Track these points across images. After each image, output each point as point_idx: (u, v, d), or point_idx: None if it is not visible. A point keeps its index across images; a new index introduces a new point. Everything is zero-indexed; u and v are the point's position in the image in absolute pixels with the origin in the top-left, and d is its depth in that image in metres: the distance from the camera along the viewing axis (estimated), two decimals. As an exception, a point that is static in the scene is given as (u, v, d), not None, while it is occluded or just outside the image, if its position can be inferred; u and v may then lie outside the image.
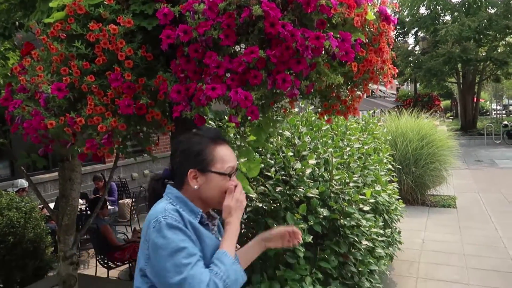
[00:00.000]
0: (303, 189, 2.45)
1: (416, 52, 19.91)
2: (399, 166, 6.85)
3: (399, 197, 4.38)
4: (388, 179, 4.19)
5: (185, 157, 1.28)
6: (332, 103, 1.97)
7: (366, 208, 2.86)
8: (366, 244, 2.78)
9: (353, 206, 2.68)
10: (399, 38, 22.54)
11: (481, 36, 18.65)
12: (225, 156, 1.28)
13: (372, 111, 5.35)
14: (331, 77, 1.42)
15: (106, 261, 4.56)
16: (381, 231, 3.19)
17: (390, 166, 4.51)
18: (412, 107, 10.69)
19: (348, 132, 3.74)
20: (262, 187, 2.50)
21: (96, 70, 1.68)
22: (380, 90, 36.40)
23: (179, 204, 1.24)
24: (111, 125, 1.66)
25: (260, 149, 2.73)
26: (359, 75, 1.66)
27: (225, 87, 1.31)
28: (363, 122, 4.71)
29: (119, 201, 6.87)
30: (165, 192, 1.29)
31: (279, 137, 2.80)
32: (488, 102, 41.23)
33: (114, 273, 4.83)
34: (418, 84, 25.09)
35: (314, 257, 2.47)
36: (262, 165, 2.57)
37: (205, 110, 2.92)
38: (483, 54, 18.85)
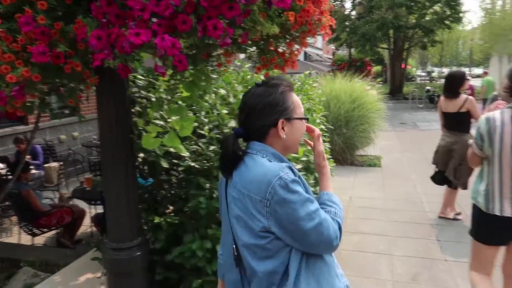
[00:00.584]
0: (237, 147, 2.43)
1: (352, 17, 20.39)
2: (331, 127, 7.11)
3: (330, 157, 4.55)
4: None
5: (271, 109, 1.29)
6: (270, 56, 1.93)
7: (299, 166, 2.92)
8: (298, 201, 2.86)
9: (287, 164, 2.73)
10: (337, 2, 22.82)
11: (412, 4, 19.49)
12: (299, 100, 1.36)
13: (308, 72, 5.41)
14: (266, 26, 1.36)
15: (30, 227, 4.29)
16: (312, 189, 3.30)
17: (323, 127, 4.64)
18: (346, 71, 11.08)
19: (284, 92, 3.76)
20: (195, 146, 2.44)
21: (2, 12, 1.47)
22: (317, 54, 37.13)
23: (275, 160, 1.28)
24: (23, 75, 1.48)
25: (194, 106, 2.64)
26: (297, 26, 1.61)
27: (150, 33, 1.19)
28: (299, 83, 4.75)
29: (45, 165, 6.43)
30: (253, 150, 1.30)
31: (214, 95, 2.72)
32: (414, 69, 43.88)
33: (40, 240, 4.58)
34: (352, 49, 25.90)
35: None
36: (196, 124, 2.50)
37: (136, 65, 2.75)
38: (413, 22, 19.78)
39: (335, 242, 1.24)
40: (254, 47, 2.05)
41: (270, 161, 1.26)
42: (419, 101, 19.38)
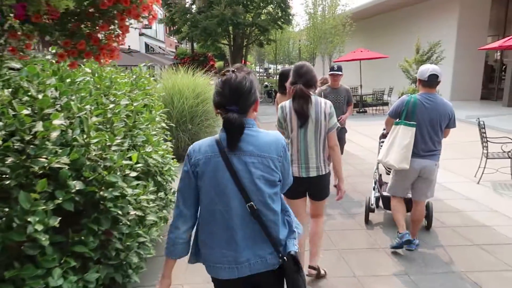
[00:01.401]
0: (46, 158, 1.88)
1: (193, 11, 20.22)
2: (172, 124, 6.77)
3: (174, 156, 4.22)
4: (162, 138, 3.95)
5: (255, 90, 1.70)
6: (77, 40, 1.48)
7: (133, 174, 2.50)
8: (135, 214, 2.46)
9: (117, 174, 2.29)
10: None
11: (249, 3, 20.45)
12: None
13: (144, 64, 4.93)
14: (51, -4, 0.94)
15: None
16: (153, 196, 2.93)
17: (164, 125, 4.27)
18: (189, 65, 10.83)
19: (114, 87, 3.24)
20: (-16, 159, 1.79)
21: None
22: (159, 47, 35.99)
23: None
24: None
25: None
26: (108, 3, 1.22)
27: None
28: (134, 76, 4.25)
29: None
30: (250, 124, 1.68)
31: (8, 90, 2.08)
32: (253, 65, 46.72)
33: None
34: (195, 44, 25.86)
35: (66, 242, 1.99)
36: (-15, 129, 1.85)
37: None
38: (250, 20, 20.76)
39: None
40: (59, 29, 1.56)
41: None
42: (259, 95, 20.54)
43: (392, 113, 3.72)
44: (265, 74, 43.88)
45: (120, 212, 2.19)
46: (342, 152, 5.72)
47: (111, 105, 2.75)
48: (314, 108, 2.94)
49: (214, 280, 1.76)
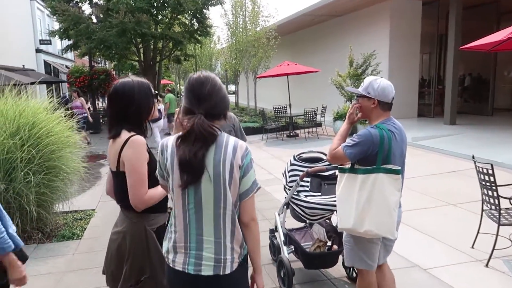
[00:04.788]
0: None
1: (88, 20, 16.65)
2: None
3: None
4: None
5: None
6: None
7: None
8: None
9: None
10: (72, 3, 18.61)
11: (157, 11, 17.54)
12: None
13: None
14: None
15: None
16: None
17: None
18: (88, 85, 7.84)
19: None
20: None
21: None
22: (67, 67, 31.27)
23: None
24: None
25: None
26: None
27: None
28: None
29: None
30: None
31: None
32: (178, 85, 43.35)
33: None
34: (108, 62, 22.13)
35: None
36: None
37: None
38: (160, 32, 17.78)
39: None
40: None
41: None
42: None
43: (356, 156, 2.38)
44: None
45: None
46: None
47: None
48: (214, 153, 1.58)
49: None
